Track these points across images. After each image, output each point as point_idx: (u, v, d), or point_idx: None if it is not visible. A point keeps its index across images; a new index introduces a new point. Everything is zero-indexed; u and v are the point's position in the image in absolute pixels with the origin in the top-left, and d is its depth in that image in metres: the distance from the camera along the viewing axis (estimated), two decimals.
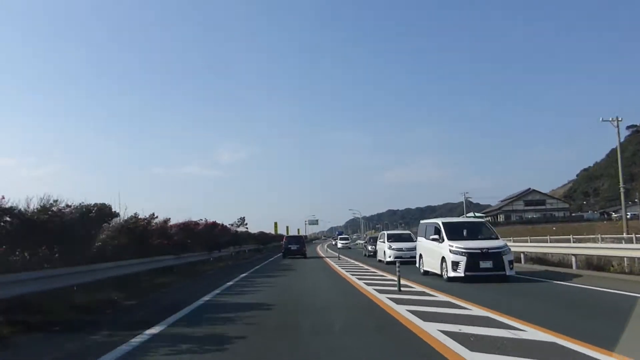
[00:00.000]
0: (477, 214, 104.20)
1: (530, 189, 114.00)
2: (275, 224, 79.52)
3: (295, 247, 32.59)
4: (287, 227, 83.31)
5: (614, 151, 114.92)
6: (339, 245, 56.20)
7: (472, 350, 5.38)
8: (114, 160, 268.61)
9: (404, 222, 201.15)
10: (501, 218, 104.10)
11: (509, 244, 15.91)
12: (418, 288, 12.07)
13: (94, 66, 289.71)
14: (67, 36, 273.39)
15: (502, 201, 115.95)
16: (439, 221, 15.63)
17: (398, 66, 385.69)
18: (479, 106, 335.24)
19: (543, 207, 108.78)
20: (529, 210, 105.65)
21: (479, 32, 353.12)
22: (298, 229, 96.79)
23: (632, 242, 23.76)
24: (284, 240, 35.20)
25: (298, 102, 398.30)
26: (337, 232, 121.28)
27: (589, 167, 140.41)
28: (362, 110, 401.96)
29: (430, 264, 15.46)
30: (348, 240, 70.98)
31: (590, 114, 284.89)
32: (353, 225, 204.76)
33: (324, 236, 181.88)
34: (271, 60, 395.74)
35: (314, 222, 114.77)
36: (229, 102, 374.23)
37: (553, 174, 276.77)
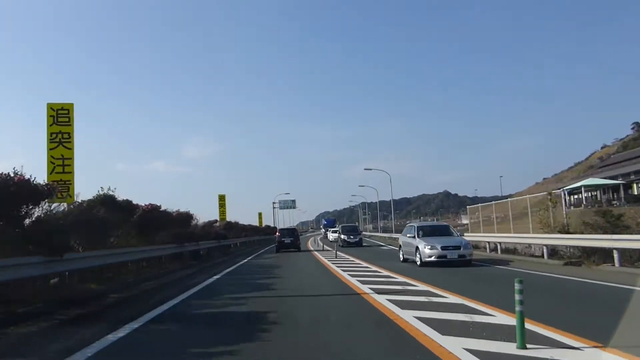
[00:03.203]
0: (588, 183, 60.65)
1: None
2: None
3: (289, 240, 32.67)
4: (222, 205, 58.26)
5: None
6: (331, 237, 49.81)
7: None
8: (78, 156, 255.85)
9: (381, 213, 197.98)
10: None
11: None
12: None
13: (56, 63, 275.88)
14: (27, 35, 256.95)
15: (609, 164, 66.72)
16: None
17: (365, 61, 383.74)
18: (444, 97, 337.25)
19: None
20: None
21: (444, 23, 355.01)
22: (259, 213, 72.69)
23: None
24: (277, 233, 35.14)
25: (267, 98, 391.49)
26: (324, 221, 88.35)
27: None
28: (329, 106, 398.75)
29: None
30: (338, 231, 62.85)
31: (564, 101, 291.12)
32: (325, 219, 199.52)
33: (312, 227, 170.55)
34: (239, 58, 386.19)
35: (289, 205, 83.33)
36: (196, 99, 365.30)
37: (530, 162, 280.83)
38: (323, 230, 74.30)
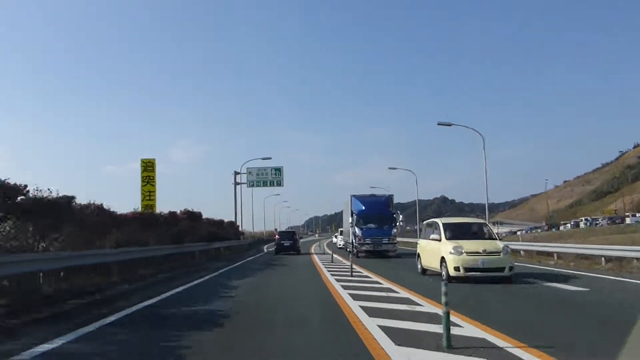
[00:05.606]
0: None
1: None
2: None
3: (288, 243, 33.00)
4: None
5: None
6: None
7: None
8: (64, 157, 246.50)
9: None
10: None
11: None
12: None
13: (39, 64, 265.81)
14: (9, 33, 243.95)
15: None
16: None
17: (354, 65, 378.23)
18: (440, 101, 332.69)
19: None
20: None
21: (434, 28, 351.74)
22: (148, 162, 26.69)
23: None
24: (276, 236, 35.89)
25: (253, 101, 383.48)
26: (359, 204, 28.12)
27: None
28: (317, 111, 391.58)
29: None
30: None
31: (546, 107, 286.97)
32: (316, 224, 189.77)
33: (309, 232, 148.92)
34: (226, 58, 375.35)
35: (267, 178, 45.20)
36: (182, 101, 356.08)
37: (526, 168, 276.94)
38: (356, 230, 27.48)
